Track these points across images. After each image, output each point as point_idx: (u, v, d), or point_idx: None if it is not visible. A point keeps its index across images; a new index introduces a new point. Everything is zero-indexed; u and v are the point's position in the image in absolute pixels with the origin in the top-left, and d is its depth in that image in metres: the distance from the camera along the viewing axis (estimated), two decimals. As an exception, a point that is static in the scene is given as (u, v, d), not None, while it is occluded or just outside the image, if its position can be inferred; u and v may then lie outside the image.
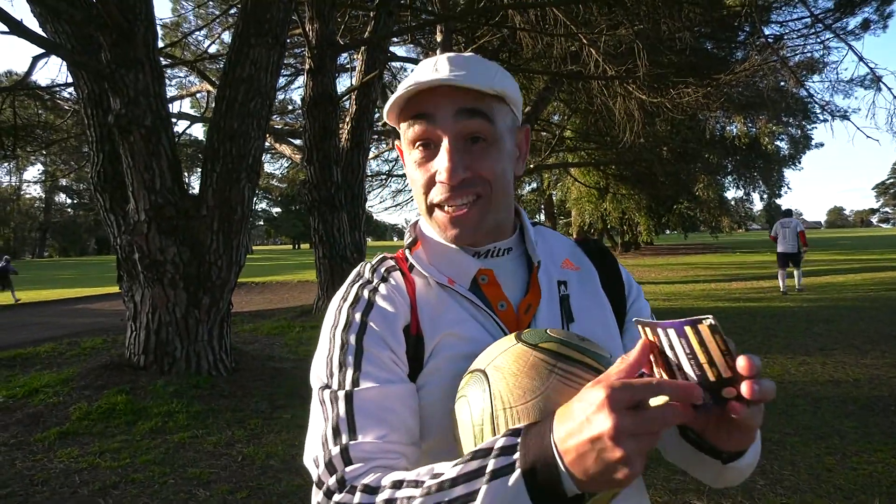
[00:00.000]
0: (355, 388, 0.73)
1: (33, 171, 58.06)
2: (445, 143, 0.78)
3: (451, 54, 0.83)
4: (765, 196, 26.52)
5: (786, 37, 11.13)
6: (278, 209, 76.67)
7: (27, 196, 63.02)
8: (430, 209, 0.83)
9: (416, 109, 0.79)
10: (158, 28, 5.76)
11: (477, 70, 0.79)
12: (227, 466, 3.54)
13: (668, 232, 40.15)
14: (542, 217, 31.28)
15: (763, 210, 33.73)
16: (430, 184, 0.80)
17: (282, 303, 13.21)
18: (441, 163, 0.78)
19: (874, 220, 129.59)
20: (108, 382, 4.85)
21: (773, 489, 3.08)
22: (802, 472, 3.26)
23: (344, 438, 0.70)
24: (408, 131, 0.81)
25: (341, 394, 0.73)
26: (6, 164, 48.29)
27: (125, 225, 5.21)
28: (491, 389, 0.65)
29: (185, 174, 20.78)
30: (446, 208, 0.80)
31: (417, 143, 0.81)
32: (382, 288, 0.82)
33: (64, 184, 57.10)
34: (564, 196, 27.95)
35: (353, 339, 0.77)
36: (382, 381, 0.74)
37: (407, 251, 0.88)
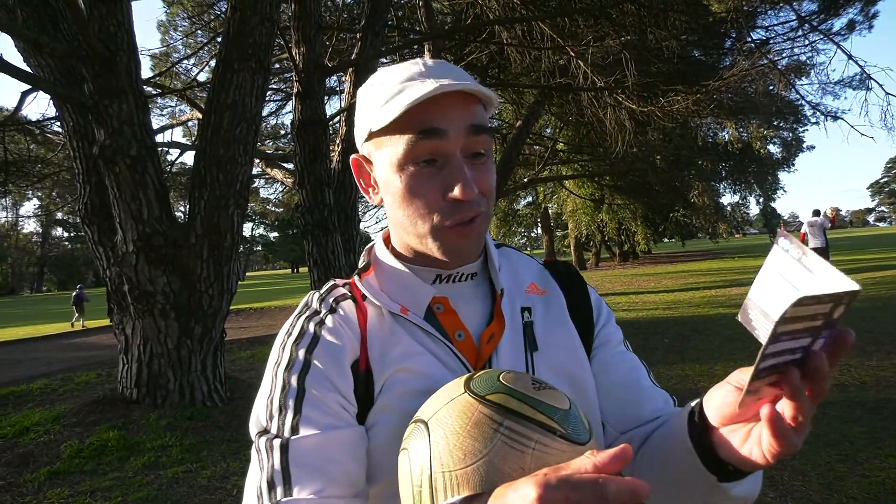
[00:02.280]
0: (293, 437, 0.67)
1: (29, 207, 58.08)
2: (459, 159, 0.71)
3: (430, 59, 0.77)
4: (760, 200, 26.53)
5: (772, 41, 11.19)
6: (275, 234, 76.74)
7: (24, 231, 63.05)
8: (435, 231, 0.73)
9: (426, 123, 0.70)
10: (147, 58, 5.74)
11: (469, 77, 0.75)
12: (221, 501, 3.44)
13: (665, 240, 40.16)
14: (539, 230, 31.27)
15: (759, 214, 33.69)
16: (437, 203, 0.72)
17: (280, 328, 13.12)
18: (455, 179, 0.70)
19: (871, 219, 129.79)
20: (101, 418, 4.76)
21: (784, 501, 2.99)
22: (814, 482, 3.17)
23: (278, 493, 0.64)
24: (413, 147, 0.71)
25: (277, 442, 0.66)
26: (2, 200, 48.38)
27: (113, 256, 5.15)
28: (431, 447, 0.57)
29: (180, 203, 20.80)
30: (453, 227, 0.73)
31: (418, 161, 0.72)
32: (329, 320, 0.76)
33: (60, 217, 57.15)
34: (560, 209, 27.94)
35: (294, 379, 0.70)
36: (324, 426, 0.67)
37: (356, 277, 0.81)
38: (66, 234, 65.80)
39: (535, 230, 33.61)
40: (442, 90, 0.68)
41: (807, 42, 10.68)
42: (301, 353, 0.72)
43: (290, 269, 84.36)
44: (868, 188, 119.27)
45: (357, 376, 0.73)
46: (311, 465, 0.65)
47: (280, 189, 20.84)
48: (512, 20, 9.08)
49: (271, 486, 0.64)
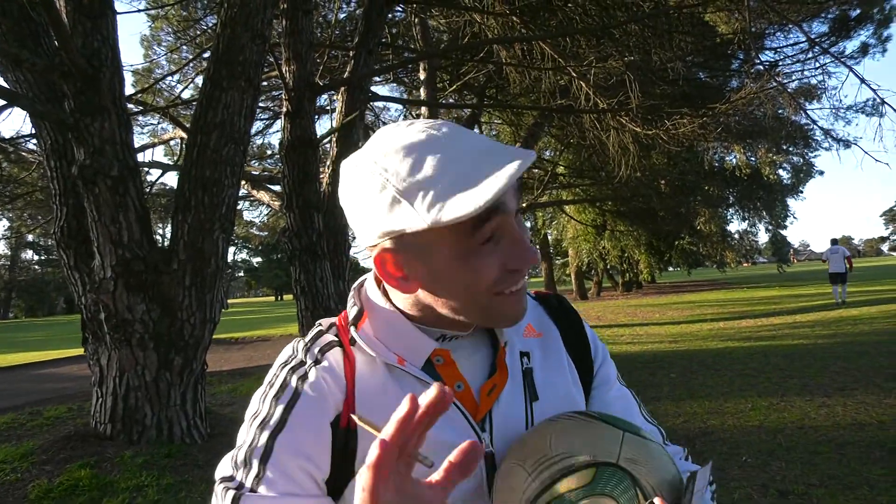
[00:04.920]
0: (246, 493, 0.69)
1: (-1, 228, 57.86)
2: (516, 229, 0.72)
3: (480, 135, 0.77)
4: (770, 227, 26.73)
5: (781, 63, 11.37)
6: (259, 259, 76.59)
7: (-9, 254, 62.71)
8: (491, 302, 0.73)
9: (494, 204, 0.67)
10: (129, 74, 5.79)
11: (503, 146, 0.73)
12: (200, 546, 3.39)
13: (670, 269, 40.25)
14: (538, 258, 31.25)
15: (769, 242, 33.87)
16: (497, 276, 0.71)
17: (263, 359, 13.01)
18: (522, 249, 0.71)
19: (885, 248, 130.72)
20: (72, 455, 4.69)
21: (802, 549, 2.97)
22: (832, 529, 3.15)
23: None
24: (478, 231, 0.69)
25: (231, 494, 0.69)
26: (-31, 221, 48.11)
27: (90, 283, 5.12)
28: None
29: (160, 225, 20.76)
30: (511, 295, 0.73)
31: (486, 238, 0.70)
32: (313, 373, 0.76)
33: (31, 240, 56.87)
34: (560, 235, 28.05)
35: (265, 437, 0.72)
36: (281, 492, 0.69)
37: (352, 327, 0.80)
38: (36, 258, 65.47)
39: (533, 257, 33.57)
40: (515, 175, 0.64)
41: (818, 64, 10.86)
42: (278, 411, 0.73)
43: (273, 297, 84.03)
44: (882, 216, 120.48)
45: (336, 433, 0.73)
46: None
47: (265, 212, 20.84)
48: (511, 40, 9.21)
49: None
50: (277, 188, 12.76)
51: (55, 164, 5.33)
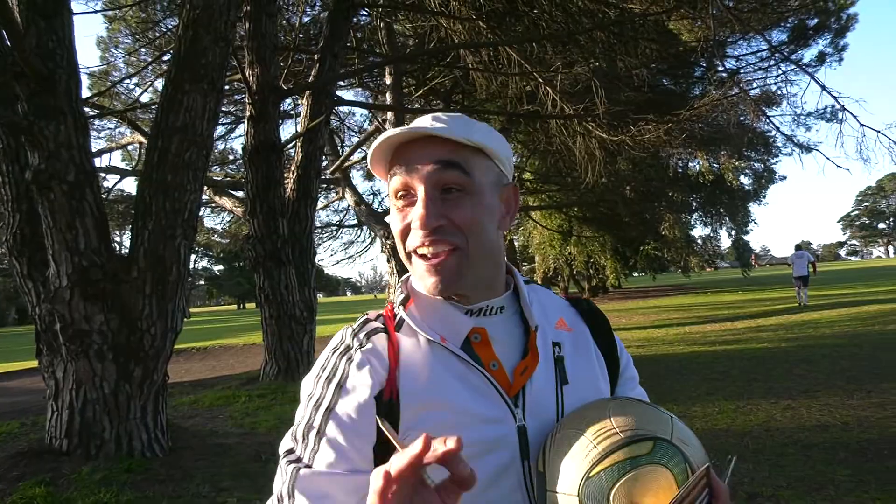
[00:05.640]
0: (303, 467, 0.81)
1: (-56, 236, 55.88)
2: (421, 192, 0.84)
3: (437, 113, 0.91)
4: (732, 233, 27.29)
5: (743, 70, 11.67)
6: (220, 267, 75.40)
7: (-63, 263, 60.55)
8: (409, 256, 0.88)
9: (396, 164, 0.86)
10: (86, 77, 5.65)
11: (457, 124, 0.86)
12: (163, 564, 3.30)
13: (636, 274, 40.82)
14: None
15: (731, 247, 34.55)
16: (407, 230, 0.86)
17: (226, 369, 12.80)
18: (416, 210, 0.84)
19: (842, 252, 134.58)
20: (25, 472, 4.53)
21: (772, 551, 3.02)
22: (800, 530, 3.21)
23: None
24: (390, 182, 0.88)
25: (291, 468, 0.81)
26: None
27: (45, 292, 4.97)
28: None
29: (117, 233, 20.27)
30: (424, 256, 0.86)
31: (399, 194, 0.87)
32: (358, 355, 0.86)
33: (-21, 248, 55.11)
34: (527, 241, 28.25)
35: (319, 417, 0.83)
36: (333, 466, 0.80)
37: (400, 308, 0.92)
38: (-15, 267, 63.44)
39: (500, 263, 33.78)
40: (407, 136, 0.84)
41: (779, 72, 11.17)
42: (330, 391, 0.85)
43: (235, 305, 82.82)
44: (839, 221, 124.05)
45: (380, 405, 0.82)
46: (311, 495, 0.79)
47: (227, 219, 20.53)
48: (478, 45, 9.25)
49: (280, 499, 0.81)
50: (240, 194, 12.61)
51: (7, 169, 5.16)
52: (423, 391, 0.83)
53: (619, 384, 1.00)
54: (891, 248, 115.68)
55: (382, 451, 0.80)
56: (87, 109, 8.79)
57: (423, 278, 0.87)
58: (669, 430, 0.76)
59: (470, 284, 0.88)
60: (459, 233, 0.84)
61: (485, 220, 0.86)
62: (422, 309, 0.91)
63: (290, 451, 0.84)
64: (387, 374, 0.84)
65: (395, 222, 0.89)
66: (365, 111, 15.88)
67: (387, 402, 0.82)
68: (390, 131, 0.84)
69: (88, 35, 14.04)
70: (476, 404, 0.83)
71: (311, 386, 0.88)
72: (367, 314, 0.95)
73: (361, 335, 0.89)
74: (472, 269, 0.86)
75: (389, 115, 12.06)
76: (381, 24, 11.36)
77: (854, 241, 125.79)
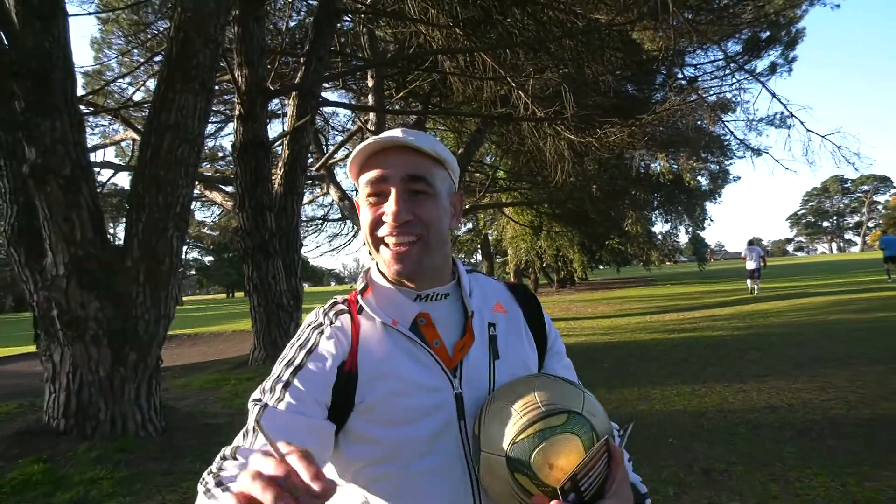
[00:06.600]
0: (268, 406, 0.90)
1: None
2: (394, 193, 0.95)
3: (404, 128, 1.02)
4: (689, 229, 27.63)
5: (701, 78, 11.81)
6: (211, 258, 74.48)
7: (-66, 253, 59.05)
8: (377, 244, 0.98)
9: (373, 169, 0.96)
10: (80, 76, 5.55)
11: (424, 139, 0.97)
12: (156, 536, 3.29)
13: (601, 267, 41.15)
14: (479, 257, 31.55)
15: (689, 242, 35.01)
16: (379, 222, 0.97)
17: (216, 355, 12.68)
18: (389, 206, 0.95)
19: (790, 248, 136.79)
20: (24, 451, 4.48)
21: (720, 519, 3.09)
22: (749, 503, 3.29)
23: (249, 438, 0.88)
24: (366, 187, 0.97)
25: (256, 407, 0.91)
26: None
27: (42, 280, 4.90)
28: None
29: (111, 225, 19.97)
30: (391, 245, 0.96)
31: (372, 191, 0.97)
32: (328, 330, 0.99)
33: (-24, 239, 53.81)
34: (500, 235, 28.32)
35: (288, 373, 0.93)
36: (293, 410, 0.89)
37: (359, 296, 1.04)
38: (-18, 257, 62.00)
39: (475, 256, 33.88)
40: (386, 143, 0.95)
41: (734, 80, 11.33)
42: (300, 355, 0.96)
43: (225, 294, 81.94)
44: (787, 219, 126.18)
45: (340, 375, 0.94)
46: (276, 428, 0.85)
47: (217, 212, 20.31)
48: (454, 51, 9.26)
49: (246, 433, 0.89)
50: (230, 189, 12.49)
51: (5, 163, 5.07)
52: (377, 364, 0.95)
53: (546, 357, 1.12)
54: (834, 245, 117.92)
55: (336, 412, 0.93)
56: (81, 107, 8.64)
57: (389, 264, 0.97)
58: (581, 405, 0.87)
59: (426, 270, 0.99)
60: (423, 226, 0.96)
61: (443, 217, 0.99)
62: (378, 296, 1.03)
63: (258, 400, 0.92)
64: (349, 349, 0.96)
65: (365, 215, 0.99)
66: (348, 112, 15.77)
67: (346, 373, 0.94)
68: (372, 139, 0.95)
69: (82, 35, 13.77)
70: (420, 375, 0.95)
71: (286, 352, 0.99)
72: (335, 298, 1.07)
73: (332, 314, 1.02)
74: (429, 256, 0.98)
75: (371, 115, 12.00)
76: (364, 30, 11.28)
77: (801, 238, 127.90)
